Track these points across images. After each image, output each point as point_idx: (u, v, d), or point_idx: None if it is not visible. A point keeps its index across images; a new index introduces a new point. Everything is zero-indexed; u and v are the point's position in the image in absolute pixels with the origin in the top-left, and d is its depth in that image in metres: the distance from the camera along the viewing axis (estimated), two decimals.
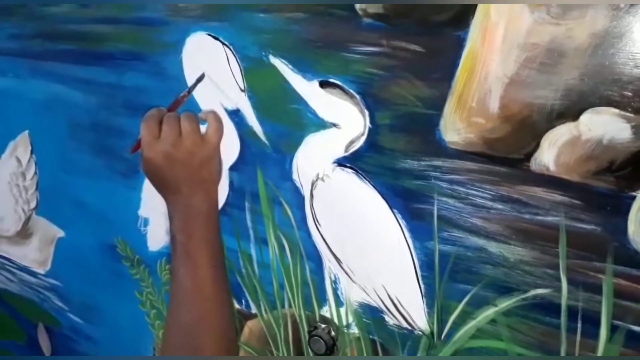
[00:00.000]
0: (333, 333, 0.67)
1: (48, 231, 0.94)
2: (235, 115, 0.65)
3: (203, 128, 0.62)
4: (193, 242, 0.60)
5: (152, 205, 0.77)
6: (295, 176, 0.63)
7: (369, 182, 0.58)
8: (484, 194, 0.52)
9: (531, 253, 0.51)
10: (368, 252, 0.61)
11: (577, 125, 0.46)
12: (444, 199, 0.54)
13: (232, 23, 0.61)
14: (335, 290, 0.65)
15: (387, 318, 0.63)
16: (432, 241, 0.56)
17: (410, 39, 0.52)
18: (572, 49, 0.45)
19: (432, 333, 0.59)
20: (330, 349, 0.67)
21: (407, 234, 0.58)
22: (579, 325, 0.50)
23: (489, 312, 0.55)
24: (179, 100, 0.64)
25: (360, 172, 0.59)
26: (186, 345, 0.58)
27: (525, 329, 0.54)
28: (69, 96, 0.80)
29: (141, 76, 0.71)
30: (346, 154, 0.59)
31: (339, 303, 0.66)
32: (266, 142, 0.64)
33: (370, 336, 0.65)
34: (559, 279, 0.50)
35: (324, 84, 0.58)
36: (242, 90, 0.63)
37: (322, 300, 0.67)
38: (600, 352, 0.50)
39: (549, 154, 0.48)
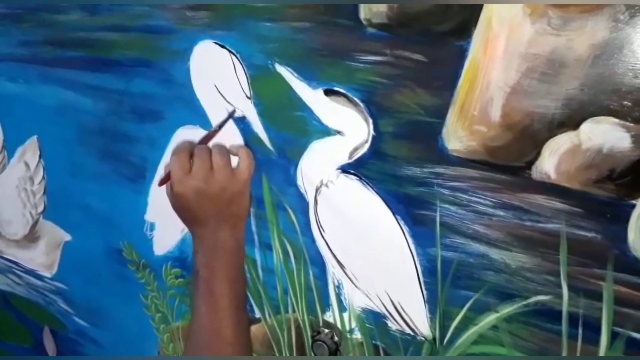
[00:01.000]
0: (336, 338, 0.67)
1: (55, 235, 0.94)
2: (241, 122, 0.66)
3: (234, 161, 0.61)
4: (216, 279, 0.59)
5: (158, 210, 0.78)
6: (299, 182, 0.64)
7: (373, 188, 0.59)
8: (485, 201, 0.53)
9: (532, 260, 0.52)
10: (371, 258, 0.61)
11: (578, 134, 0.47)
12: (447, 205, 0.55)
13: (239, 32, 0.62)
14: (338, 296, 0.66)
15: (389, 323, 0.63)
16: (434, 247, 0.57)
17: (414, 49, 0.52)
18: (572, 59, 0.45)
19: (434, 338, 0.60)
20: (333, 353, 0.67)
21: (410, 240, 0.58)
22: (580, 331, 0.51)
23: (491, 318, 0.55)
24: (210, 135, 0.64)
25: (363, 178, 0.59)
26: None
27: (526, 335, 0.54)
28: (78, 102, 0.80)
29: (149, 83, 0.71)
30: (350, 160, 0.59)
31: (342, 308, 0.66)
32: (271, 148, 0.65)
33: (373, 341, 0.65)
34: (559, 286, 0.51)
35: (328, 92, 0.58)
36: (248, 98, 0.64)
37: (326, 305, 0.67)
38: None
39: (550, 162, 0.48)
